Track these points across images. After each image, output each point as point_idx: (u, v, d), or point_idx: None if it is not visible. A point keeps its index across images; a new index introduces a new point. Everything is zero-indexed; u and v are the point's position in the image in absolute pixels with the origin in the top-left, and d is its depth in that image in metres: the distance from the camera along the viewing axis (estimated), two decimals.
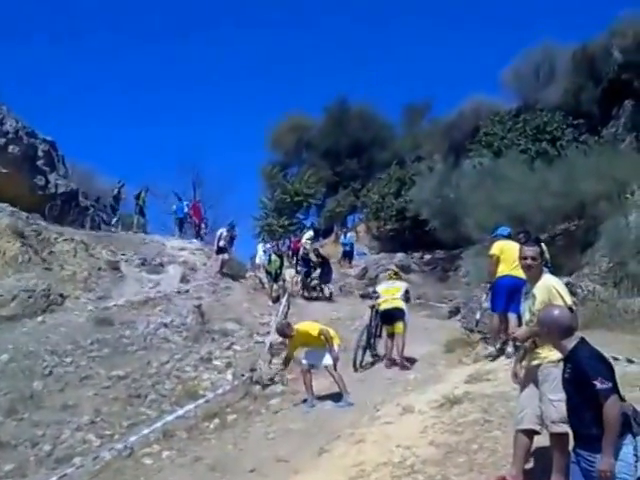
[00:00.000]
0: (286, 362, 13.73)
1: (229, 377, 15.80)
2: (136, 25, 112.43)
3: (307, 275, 25.69)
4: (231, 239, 27.39)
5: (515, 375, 7.03)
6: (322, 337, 12.59)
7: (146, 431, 12.22)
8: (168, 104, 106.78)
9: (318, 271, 25.72)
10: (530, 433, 6.57)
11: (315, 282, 25.71)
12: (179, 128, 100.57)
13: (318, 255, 26.52)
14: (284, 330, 13.19)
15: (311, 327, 12.98)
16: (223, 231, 26.68)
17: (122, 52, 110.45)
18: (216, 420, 12.92)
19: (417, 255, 32.63)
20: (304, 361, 12.85)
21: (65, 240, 22.71)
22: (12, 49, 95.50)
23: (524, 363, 6.97)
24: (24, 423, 12.82)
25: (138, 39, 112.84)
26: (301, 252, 27.13)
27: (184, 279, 24.07)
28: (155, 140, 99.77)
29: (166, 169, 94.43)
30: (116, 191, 31.54)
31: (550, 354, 6.16)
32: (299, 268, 26.24)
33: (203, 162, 64.87)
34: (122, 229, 30.33)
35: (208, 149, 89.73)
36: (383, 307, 15.04)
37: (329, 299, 25.37)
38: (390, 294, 15.15)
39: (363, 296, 19.83)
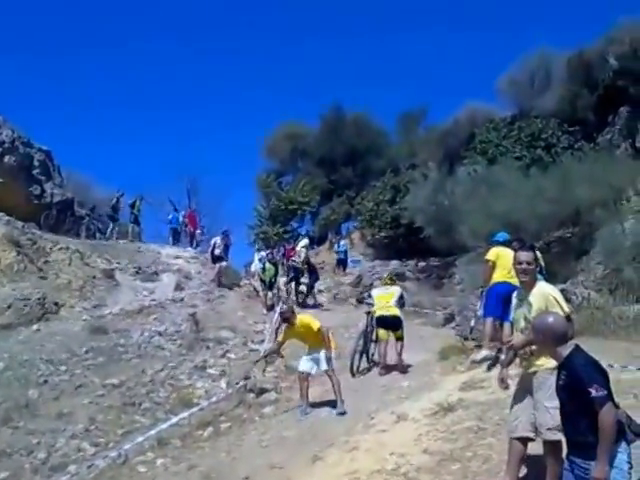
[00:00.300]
0: (277, 348, 13.84)
1: (223, 385, 15.79)
2: (130, 31, 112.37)
3: (296, 281, 25.65)
4: (226, 247, 27.37)
5: (502, 380, 7.04)
6: (321, 334, 12.58)
7: (140, 439, 12.21)
8: (163, 113, 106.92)
9: (306, 278, 25.77)
10: (524, 440, 6.57)
11: (303, 288, 25.68)
12: (174, 136, 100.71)
13: (307, 263, 26.52)
14: (288, 314, 13.13)
15: (312, 321, 12.94)
16: (217, 239, 26.72)
17: (116, 59, 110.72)
18: (210, 428, 12.92)
19: (412, 262, 32.53)
20: (301, 368, 12.80)
21: (60, 249, 22.76)
22: (8, 57, 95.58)
23: (512, 371, 6.98)
24: (19, 431, 12.80)
25: (132, 45, 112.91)
26: (291, 260, 27.11)
27: (179, 287, 24.08)
28: (150, 149, 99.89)
29: (162, 178, 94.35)
30: (115, 200, 31.60)
31: (546, 361, 6.17)
32: (290, 275, 26.16)
33: (198, 170, 64.76)
34: (117, 238, 30.36)
35: (203, 157, 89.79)
36: (379, 313, 15.02)
37: (319, 306, 25.36)
38: (385, 301, 15.09)
39: (359, 301, 19.78)
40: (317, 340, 12.64)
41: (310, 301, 25.57)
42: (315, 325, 12.75)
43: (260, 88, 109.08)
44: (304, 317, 13.28)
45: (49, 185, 30.78)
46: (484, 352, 12.05)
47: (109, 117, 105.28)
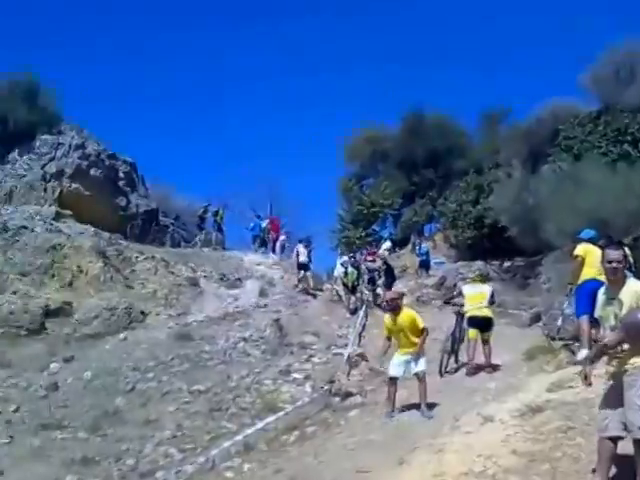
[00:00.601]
0: (387, 344, 12.66)
1: (308, 389, 15.83)
2: (209, 34, 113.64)
3: (373, 283, 25.43)
4: (308, 253, 27.35)
5: (585, 377, 6.86)
6: (424, 333, 12.14)
7: (227, 444, 12.34)
8: (243, 124, 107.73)
9: (382, 279, 25.62)
10: (614, 439, 6.39)
11: (380, 289, 25.42)
12: (255, 144, 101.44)
13: (385, 264, 26.45)
14: (397, 301, 12.44)
15: (418, 318, 12.35)
16: (300, 247, 26.64)
17: (192, 65, 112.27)
18: (296, 432, 12.94)
19: (496, 263, 32.04)
20: (392, 373, 12.38)
21: (146, 258, 23.22)
22: (93, 71, 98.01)
23: (597, 370, 6.81)
24: (108, 439, 13.10)
25: (209, 49, 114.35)
26: (374, 263, 26.91)
27: (262, 293, 24.21)
28: (232, 157, 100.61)
29: (243, 186, 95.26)
30: (202, 210, 32.26)
31: (637, 360, 6.05)
32: (366, 276, 25.91)
33: (280, 177, 65.49)
34: (201, 246, 30.80)
35: (284, 163, 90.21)
36: (471, 314, 14.82)
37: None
38: (477, 302, 14.88)
39: (446, 302, 19.44)
40: (414, 339, 12.13)
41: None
42: (421, 322, 12.25)
43: (340, 93, 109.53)
44: (410, 311, 12.64)
45: (134, 196, 31.44)
46: (585, 351, 11.70)
47: (187, 125, 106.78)
